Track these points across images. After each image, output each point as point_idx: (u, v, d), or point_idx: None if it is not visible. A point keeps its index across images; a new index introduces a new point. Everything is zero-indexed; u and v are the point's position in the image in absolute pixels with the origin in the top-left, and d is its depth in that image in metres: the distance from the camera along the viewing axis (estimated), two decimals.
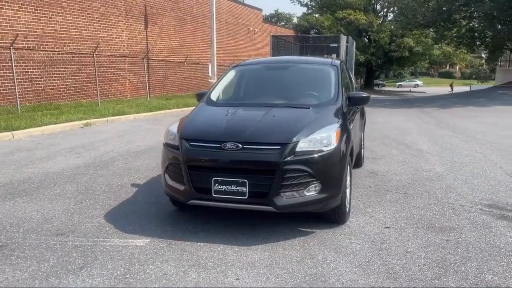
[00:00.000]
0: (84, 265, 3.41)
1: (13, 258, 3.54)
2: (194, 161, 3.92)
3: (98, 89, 15.73)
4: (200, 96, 5.34)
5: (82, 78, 16.22)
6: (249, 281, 3.17)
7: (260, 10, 34.36)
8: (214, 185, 3.82)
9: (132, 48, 19.29)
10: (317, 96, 4.86)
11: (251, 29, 31.13)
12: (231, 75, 5.48)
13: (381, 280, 3.16)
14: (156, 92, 20.79)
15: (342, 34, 23.59)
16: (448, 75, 69.69)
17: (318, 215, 4.25)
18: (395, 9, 47.18)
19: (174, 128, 4.35)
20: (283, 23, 60.04)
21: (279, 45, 24.48)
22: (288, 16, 66.26)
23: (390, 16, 47.32)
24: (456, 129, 11.48)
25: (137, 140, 9.43)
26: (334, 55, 22.55)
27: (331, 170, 3.88)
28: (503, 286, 2.89)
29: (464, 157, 7.58)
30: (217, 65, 19.73)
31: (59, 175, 6.24)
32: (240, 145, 3.80)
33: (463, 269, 3.32)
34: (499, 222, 4.32)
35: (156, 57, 20.90)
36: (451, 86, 44.88)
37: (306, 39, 26.31)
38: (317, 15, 47.45)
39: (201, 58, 24.99)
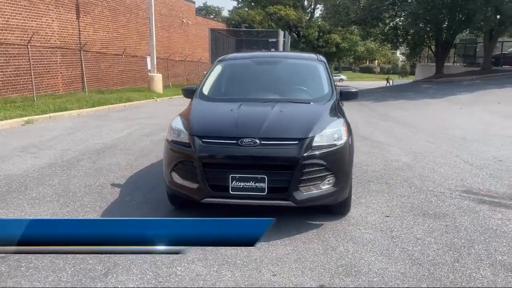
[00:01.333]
0: (108, 272, 3.21)
1: (23, 269, 3.23)
2: (210, 159, 3.83)
3: (33, 83, 14.57)
4: (188, 91, 5.21)
5: (10, 71, 14.90)
6: (287, 275, 3.19)
7: (193, 2, 33.79)
8: (231, 182, 3.76)
9: (64, 39, 18.06)
10: (312, 91, 4.96)
11: (185, 21, 30.53)
12: (218, 69, 5.38)
13: (409, 266, 3.34)
14: (91, 86, 19.69)
15: (280, 29, 24.01)
16: (369, 70, 73.74)
17: (320, 208, 4.33)
18: (323, 6, 49.09)
19: (178, 125, 4.21)
20: (213, 17, 59.57)
21: (217, 39, 24.31)
22: (217, 9, 65.88)
23: (318, 13, 49.06)
24: (400, 121, 12.24)
25: (90, 137, 8.90)
26: (273, 50, 22.92)
27: (343, 163, 4.00)
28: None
29: (420, 147, 8.13)
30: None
31: (25, 178, 5.74)
32: (258, 141, 3.78)
33: (473, 251, 3.61)
34: (481, 206, 4.73)
35: (90, 49, 19.77)
36: (387, 80, 47.49)
37: (246, 33, 26.35)
38: (247, 9, 47.74)
39: (136, 51, 24.06)
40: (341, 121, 4.19)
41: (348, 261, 3.43)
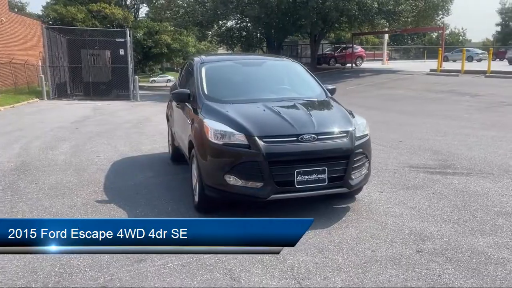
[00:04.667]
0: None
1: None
2: (276, 157, 4.01)
3: None
4: (180, 95, 5.17)
5: None
6: (351, 259, 3.50)
7: None
8: (296, 177, 4.04)
9: None
10: (306, 88, 5.43)
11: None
12: (207, 72, 5.35)
13: (451, 225, 4.20)
14: None
15: (128, 29, 23.02)
16: None
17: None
18: (146, 5, 48.33)
19: (222, 127, 4.24)
20: (15, 12, 52.26)
21: (51, 39, 21.90)
22: (20, 4, 58.06)
23: (143, 13, 48.03)
24: None
25: None
26: (121, 50, 21.90)
27: (370, 150, 4.67)
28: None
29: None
30: None
31: None
32: (315, 136, 4.14)
33: (470, 204, 4.70)
34: (439, 176, 5.93)
35: None
36: None
37: (83, 32, 24.29)
38: (60, 6, 43.49)
39: None
40: (353, 114, 4.82)
41: (404, 228, 4.11)
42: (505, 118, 10.98)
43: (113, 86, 22.34)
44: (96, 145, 8.59)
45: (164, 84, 59.13)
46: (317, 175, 4.10)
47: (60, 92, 22.16)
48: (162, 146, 8.34)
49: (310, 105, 4.86)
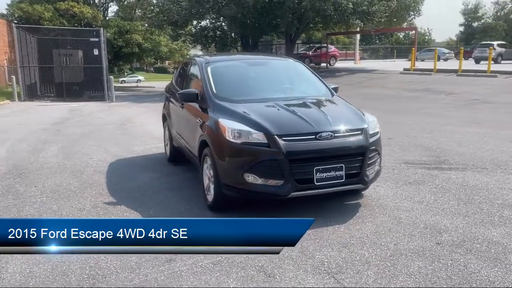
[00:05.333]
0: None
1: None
2: (296, 155, 4.07)
3: None
4: (188, 95, 5.14)
5: None
6: (376, 253, 3.62)
7: None
8: (316, 174, 4.11)
9: None
10: (313, 87, 5.51)
11: None
12: (213, 72, 5.33)
13: (462, 218, 4.37)
14: None
15: (102, 28, 22.53)
16: (163, 71, 74.48)
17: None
18: (115, 4, 47.38)
19: (239, 126, 4.25)
20: None
21: (21, 38, 21.19)
22: None
23: (112, 12, 47.07)
24: None
25: None
26: (96, 50, 21.43)
27: (381, 147, 4.79)
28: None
29: None
30: None
31: None
32: (332, 134, 4.22)
33: (474, 197, 4.90)
34: (437, 172, 6.13)
35: None
36: None
37: (60, 32, 23.56)
38: (26, 4, 42.07)
39: None
40: (365, 112, 4.93)
41: (418, 222, 4.25)
42: (482, 115, 11.45)
43: (85, 87, 21.81)
44: (85, 147, 8.39)
45: (134, 84, 58.05)
46: (335, 172, 4.19)
47: (31, 93, 21.45)
48: (154, 147, 8.25)
49: (321, 103, 4.94)
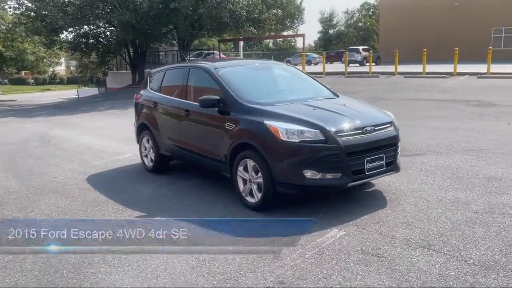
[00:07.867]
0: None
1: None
2: (352, 148, 4.42)
3: None
4: (208, 102, 5.09)
5: None
6: (441, 225, 4.18)
7: None
8: (366, 165, 4.53)
9: None
10: (317, 90, 5.86)
11: None
12: (226, 77, 5.35)
13: (469, 191, 5.16)
14: None
15: None
16: (21, 82, 66.81)
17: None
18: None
19: (292, 126, 4.45)
20: None
21: None
22: None
23: None
24: None
25: None
26: None
27: None
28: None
29: None
30: None
31: None
32: (374, 127, 4.68)
33: (477, 182, 5.70)
34: (409, 158, 6.96)
35: None
36: None
37: None
38: None
39: None
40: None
41: (441, 198, 4.94)
42: (392, 109, 13.01)
43: None
44: (34, 166, 7.51)
45: None
46: (379, 162, 4.65)
47: None
48: (113, 160, 7.77)
49: (342, 102, 5.36)
